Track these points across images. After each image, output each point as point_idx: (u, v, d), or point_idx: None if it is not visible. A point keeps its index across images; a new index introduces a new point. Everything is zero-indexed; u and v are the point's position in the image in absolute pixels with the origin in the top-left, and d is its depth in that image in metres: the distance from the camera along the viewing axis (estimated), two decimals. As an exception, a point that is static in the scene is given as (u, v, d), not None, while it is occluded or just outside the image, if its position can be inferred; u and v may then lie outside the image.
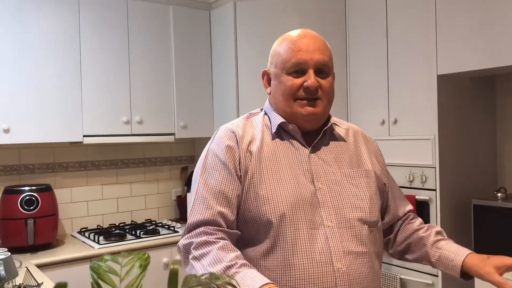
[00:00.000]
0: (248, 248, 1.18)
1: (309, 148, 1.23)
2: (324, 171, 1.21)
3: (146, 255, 0.55)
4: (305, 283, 1.11)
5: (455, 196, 2.64)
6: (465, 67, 2.50)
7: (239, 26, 3.08)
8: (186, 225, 1.17)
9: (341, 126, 1.33)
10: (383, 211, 1.36)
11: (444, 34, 2.57)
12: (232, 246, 1.11)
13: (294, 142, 1.24)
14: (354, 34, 3.01)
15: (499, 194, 2.51)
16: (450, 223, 2.63)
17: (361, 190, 1.22)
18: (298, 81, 1.20)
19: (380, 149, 1.43)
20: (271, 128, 1.26)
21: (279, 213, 1.14)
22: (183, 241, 1.15)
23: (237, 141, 1.21)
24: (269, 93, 1.29)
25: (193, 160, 3.64)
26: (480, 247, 2.52)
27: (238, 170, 1.18)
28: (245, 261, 1.06)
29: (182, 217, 3.40)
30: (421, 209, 2.63)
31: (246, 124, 1.27)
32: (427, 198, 2.60)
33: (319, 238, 1.13)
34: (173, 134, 3.21)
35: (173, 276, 0.48)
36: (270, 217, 1.14)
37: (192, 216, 1.16)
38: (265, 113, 1.31)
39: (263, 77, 1.32)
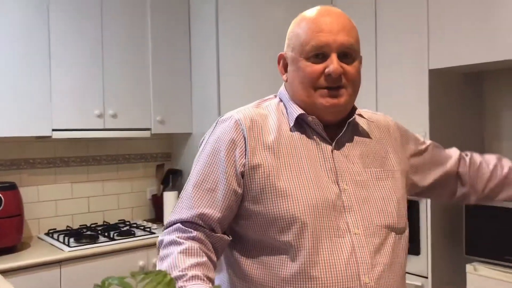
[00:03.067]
0: (263, 255, 1.04)
1: (333, 144, 1.08)
2: (349, 170, 1.06)
3: (169, 277, 0.40)
4: None
5: (445, 194, 2.56)
6: (457, 62, 2.43)
7: (221, 16, 2.92)
8: (166, 221, 1.08)
9: (366, 117, 1.18)
10: (445, 182, 1.28)
11: (436, 27, 2.49)
12: (200, 250, 0.98)
13: (315, 136, 1.08)
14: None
15: (490, 193, 2.45)
16: (441, 222, 2.55)
17: (388, 192, 1.08)
18: (319, 67, 1.03)
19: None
20: (288, 119, 1.10)
21: (296, 214, 1.00)
22: (158, 238, 1.06)
23: (243, 135, 1.06)
24: (286, 80, 1.13)
25: (170, 157, 3.46)
26: (471, 247, 2.45)
27: (241, 167, 1.03)
28: (197, 273, 0.93)
29: (158, 218, 3.22)
30: (411, 207, 2.54)
31: (257, 113, 1.10)
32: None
33: (345, 248, 0.99)
34: (149, 129, 3.03)
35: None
36: (293, 215, 1.00)
37: (173, 214, 1.06)
38: (280, 100, 1.15)
39: (279, 62, 1.15)
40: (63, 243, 2.56)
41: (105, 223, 3.06)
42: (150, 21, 3.00)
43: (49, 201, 2.90)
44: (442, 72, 2.54)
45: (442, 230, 2.56)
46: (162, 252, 1.01)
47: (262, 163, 1.03)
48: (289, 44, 1.11)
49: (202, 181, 1.05)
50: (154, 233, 2.81)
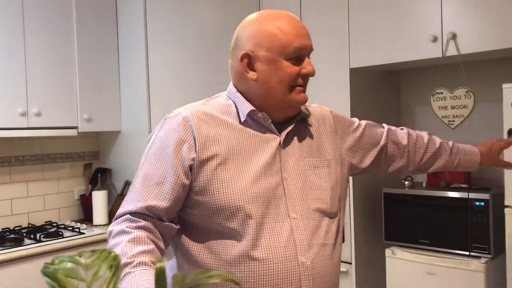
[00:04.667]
0: (209, 241, 1.11)
1: (280, 136, 1.17)
2: (291, 160, 1.16)
3: (113, 254, 0.44)
4: (268, 279, 1.06)
5: (367, 185, 2.75)
6: (375, 61, 2.61)
7: (149, 12, 2.91)
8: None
9: (309, 112, 1.27)
10: (388, 160, 1.38)
11: (356, 26, 2.65)
12: (148, 239, 1.04)
13: (264, 130, 1.16)
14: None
15: (406, 182, 2.66)
16: (363, 211, 2.73)
17: (323, 180, 1.18)
18: (297, 68, 1.13)
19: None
20: (238, 116, 1.16)
21: (244, 201, 1.08)
22: (108, 229, 1.11)
23: (192, 131, 1.11)
24: (255, 79, 1.14)
25: (98, 156, 3.38)
26: (390, 233, 2.65)
27: (190, 161, 1.09)
28: (145, 259, 0.99)
29: (86, 218, 3.14)
30: (336, 199, 2.69)
31: (205, 110, 1.16)
32: (342, 188, 2.67)
33: (285, 231, 1.09)
34: (75, 127, 2.94)
35: (160, 276, 0.38)
36: (237, 204, 1.08)
37: (122, 206, 1.11)
38: (229, 98, 1.20)
39: (241, 60, 1.14)
40: (-15, 247, 2.43)
41: (30, 225, 2.94)
42: (76, 16, 2.92)
43: (-32, 205, 2.75)
44: (362, 70, 2.71)
45: (364, 218, 2.75)
46: (112, 241, 1.06)
47: (210, 157, 1.09)
48: (260, 43, 1.12)
49: (150, 175, 1.10)
50: (83, 233, 2.75)
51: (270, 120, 1.15)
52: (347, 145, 1.30)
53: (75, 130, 2.94)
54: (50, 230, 2.79)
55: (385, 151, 1.38)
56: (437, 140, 1.46)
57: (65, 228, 2.87)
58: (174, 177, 1.09)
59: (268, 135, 1.15)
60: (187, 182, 1.10)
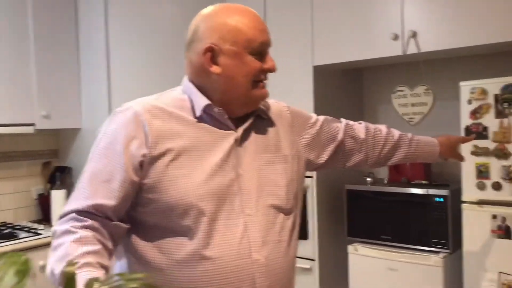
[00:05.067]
0: (161, 239, 1.08)
1: (237, 131, 1.14)
2: (248, 156, 1.13)
3: (23, 258, 0.41)
4: (221, 277, 1.04)
5: (330, 182, 2.76)
6: (338, 59, 2.62)
7: (110, 8, 2.83)
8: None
9: (268, 108, 1.24)
10: (346, 154, 1.38)
11: (319, 24, 2.66)
12: (94, 239, 1.00)
13: (220, 126, 1.13)
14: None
15: (368, 179, 2.69)
16: (326, 208, 2.74)
17: (279, 176, 1.16)
18: (260, 63, 1.13)
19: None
20: (193, 111, 1.12)
21: (196, 198, 1.05)
22: (52, 229, 1.06)
23: (143, 126, 1.07)
24: (219, 74, 1.10)
25: (57, 154, 3.28)
26: (352, 229, 2.67)
27: (140, 157, 1.05)
28: (90, 260, 0.95)
29: (45, 218, 3.04)
30: (299, 196, 2.69)
31: (157, 104, 1.12)
32: (305, 185, 2.67)
33: (239, 228, 1.07)
34: (33, 124, 2.84)
35: (69, 281, 0.35)
36: (190, 201, 1.04)
37: (68, 204, 1.06)
38: (183, 93, 1.17)
39: (204, 53, 1.10)
40: None
41: (-17, 226, 2.82)
42: (32, 9, 2.81)
43: None
44: (325, 68, 2.72)
45: (327, 215, 2.76)
46: (55, 242, 1.01)
47: (162, 153, 1.06)
48: (224, 37, 1.09)
49: (98, 172, 1.06)
50: (40, 234, 2.65)
51: (227, 116, 1.12)
52: (304, 141, 1.29)
53: (32, 128, 2.84)
54: (4, 231, 2.68)
55: (343, 146, 1.37)
56: (396, 133, 1.47)
57: (21, 229, 2.77)
58: (123, 174, 1.04)
59: (224, 131, 1.12)
60: (136, 179, 1.06)
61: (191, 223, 1.04)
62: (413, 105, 2.54)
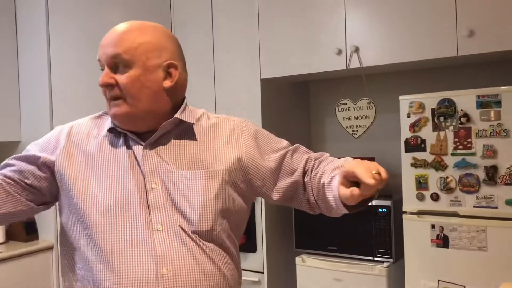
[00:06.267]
0: (73, 255, 1.08)
1: (143, 145, 1.10)
2: (161, 170, 1.09)
3: None
4: None
5: (277, 194, 2.77)
6: (285, 72, 2.66)
7: (52, 15, 2.74)
8: None
9: (205, 122, 1.19)
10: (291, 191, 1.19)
11: (266, 39, 2.69)
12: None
13: (129, 140, 1.12)
14: (180, 32, 2.95)
15: (315, 191, 2.72)
16: (274, 220, 2.75)
17: (196, 195, 1.08)
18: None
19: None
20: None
21: (97, 211, 1.05)
22: None
23: (58, 138, 1.15)
24: None
25: (-4, 168, 3.12)
26: (300, 240, 2.69)
27: (48, 160, 1.12)
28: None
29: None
30: (247, 208, 2.69)
31: (88, 122, 1.19)
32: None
33: (145, 242, 1.03)
34: (-33, 137, 2.70)
35: None
36: (87, 216, 1.05)
37: None
38: None
39: None
40: None
41: None
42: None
43: None
44: (272, 81, 2.75)
45: (275, 227, 2.77)
46: None
47: (69, 166, 1.10)
48: None
49: (18, 157, 1.14)
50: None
51: (129, 132, 1.12)
52: (261, 165, 1.18)
53: (-33, 141, 2.70)
54: None
55: (296, 185, 1.20)
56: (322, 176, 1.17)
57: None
58: (33, 170, 1.11)
59: (131, 144, 1.11)
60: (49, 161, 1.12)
61: (90, 238, 1.04)
62: (356, 118, 2.60)
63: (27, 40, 2.87)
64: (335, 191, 1.05)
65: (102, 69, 1.11)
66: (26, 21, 2.87)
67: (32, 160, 1.12)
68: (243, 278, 2.71)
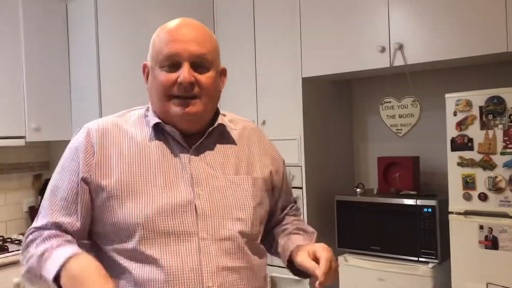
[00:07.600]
0: (118, 264, 1.03)
1: (190, 150, 1.09)
2: (207, 176, 1.07)
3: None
4: None
5: (320, 193, 2.77)
6: (326, 71, 2.65)
7: (101, 20, 2.85)
8: None
9: (235, 126, 1.19)
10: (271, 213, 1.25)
11: (308, 37, 2.69)
12: (60, 233, 1.02)
13: (175, 144, 1.09)
14: (222, 34, 2.99)
15: (358, 190, 2.70)
16: (316, 218, 2.75)
17: (245, 199, 1.08)
18: (172, 76, 1.04)
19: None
20: (150, 128, 1.11)
21: (143, 219, 1.00)
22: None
23: (91, 143, 1.06)
24: (147, 89, 1.13)
25: (48, 166, 3.28)
26: (342, 239, 2.68)
27: (85, 173, 1.04)
28: (61, 241, 0.99)
29: (36, 230, 3.03)
30: (290, 207, 2.70)
31: (116, 122, 1.11)
32: (295, 196, 2.68)
33: (191, 253, 1.00)
34: (23, 137, 2.84)
35: None
36: (132, 224, 1.00)
37: (33, 223, 1.08)
38: (147, 110, 1.15)
39: (143, 71, 1.14)
40: None
41: (-26, 240, 2.81)
42: (23, 24, 2.83)
43: None
44: (314, 80, 2.74)
45: (318, 227, 2.73)
46: (25, 258, 1.02)
47: (111, 171, 1.04)
48: (149, 53, 1.12)
49: (55, 189, 1.07)
50: (30, 247, 2.64)
51: (179, 133, 1.08)
52: (282, 189, 1.26)
53: (23, 140, 2.84)
54: (-6, 244, 2.68)
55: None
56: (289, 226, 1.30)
57: (12, 242, 2.76)
58: (78, 189, 1.04)
59: (178, 148, 1.08)
60: (87, 193, 1.05)
61: (137, 245, 1.00)
62: (400, 116, 2.56)
63: (78, 44, 3.00)
64: (291, 249, 1.18)
65: (169, 64, 1.05)
66: (77, 26, 3.00)
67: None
68: (286, 276, 2.74)
